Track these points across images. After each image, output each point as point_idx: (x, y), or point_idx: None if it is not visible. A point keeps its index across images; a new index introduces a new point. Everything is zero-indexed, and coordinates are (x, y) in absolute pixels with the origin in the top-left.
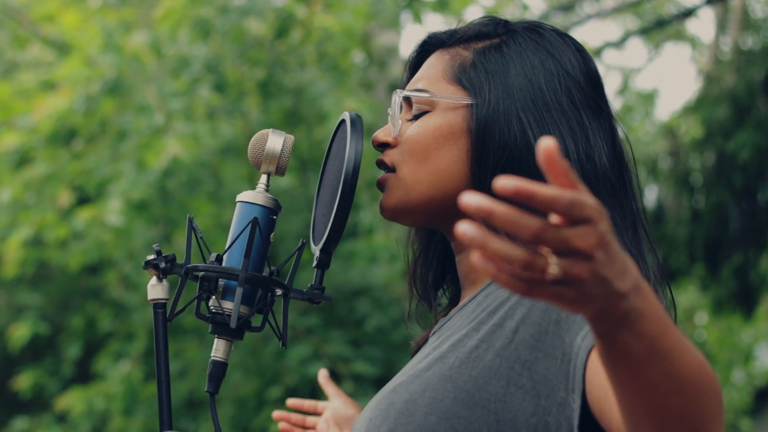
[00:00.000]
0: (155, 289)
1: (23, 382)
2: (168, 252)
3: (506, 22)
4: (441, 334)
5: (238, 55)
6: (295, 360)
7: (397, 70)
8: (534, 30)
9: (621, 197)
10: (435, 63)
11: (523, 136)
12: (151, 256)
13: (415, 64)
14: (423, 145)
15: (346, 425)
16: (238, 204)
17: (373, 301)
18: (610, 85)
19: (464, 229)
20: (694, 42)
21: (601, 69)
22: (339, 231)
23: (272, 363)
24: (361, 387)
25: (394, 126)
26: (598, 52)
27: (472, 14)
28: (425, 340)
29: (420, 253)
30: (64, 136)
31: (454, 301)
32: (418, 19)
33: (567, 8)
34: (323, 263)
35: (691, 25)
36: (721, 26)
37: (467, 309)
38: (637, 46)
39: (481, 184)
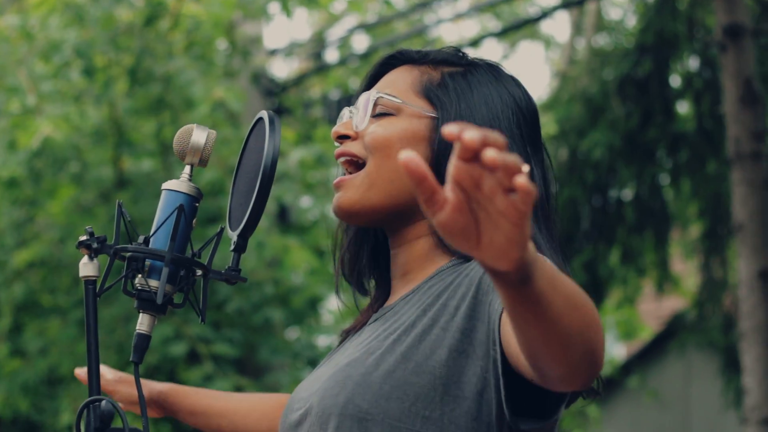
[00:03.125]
0: (86, 267)
1: None
2: (29, 234)
3: (468, 57)
4: (387, 320)
5: (108, 42)
6: (156, 340)
7: (259, 59)
8: (493, 67)
9: (550, 223)
10: (403, 75)
11: None
12: (84, 237)
13: (376, 74)
14: (388, 142)
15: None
16: (164, 192)
17: (236, 284)
18: None
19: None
20: (548, 42)
21: None
22: (256, 218)
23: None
24: (221, 368)
25: (360, 122)
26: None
27: (338, 8)
28: (360, 326)
29: (350, 245)
30: None
31: (384, 293)
32: (286, 10)
33: (425, 5)
34: (240, 247)
35: (546, 26)
36: (577, 27)
37: (413, 299)
38: (492, 44)
39: None
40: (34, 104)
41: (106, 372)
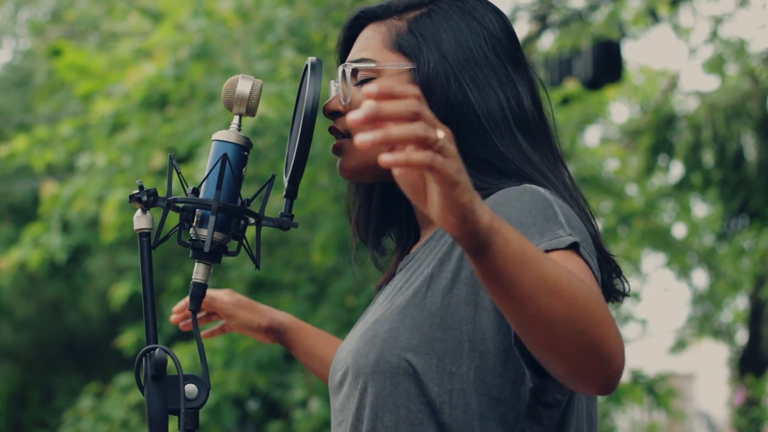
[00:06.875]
0: (140, 220)
1: (126, 339)
2: (281, 209)
3: None
4: (408, 269)
5: (321, 18)
6: None
7: None
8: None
9: (545, 137)
10: (373, 34)
11: (461, 91)
12: (135, 191)
13: (348, 38)
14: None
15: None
16: (213, 143)
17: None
18: (700, 34)
19: (362, 138)
20: None
21: (690, 18)
22: (302, 163)
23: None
24: None
25: (346, 95)
26: None
27: None
28: (391, 278)
29: (362, 204)
30: (156, 101)
31: (412, 241)
32: None
33: None
34: (291, 193)
35: None
36: None
37: (429, 245)
38: None
39: None
40: None
41: (224, 296)
